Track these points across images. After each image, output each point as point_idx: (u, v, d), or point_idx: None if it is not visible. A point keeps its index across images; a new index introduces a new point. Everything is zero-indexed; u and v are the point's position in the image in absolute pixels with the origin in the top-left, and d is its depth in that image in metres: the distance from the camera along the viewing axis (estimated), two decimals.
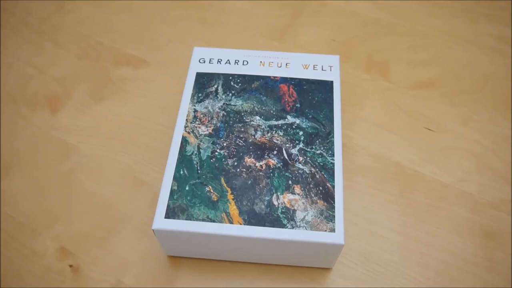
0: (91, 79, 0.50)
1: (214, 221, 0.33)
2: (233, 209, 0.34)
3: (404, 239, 0.39)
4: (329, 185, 0.35)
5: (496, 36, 0.53)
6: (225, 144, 0.37)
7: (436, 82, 0.49)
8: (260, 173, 0.35)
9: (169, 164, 0.36)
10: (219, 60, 0.42)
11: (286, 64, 0.42)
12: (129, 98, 0.48)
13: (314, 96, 0.40)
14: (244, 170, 0.35)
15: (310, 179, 0.35)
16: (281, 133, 0.37)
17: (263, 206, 0.34)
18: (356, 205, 0.40)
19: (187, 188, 0.35)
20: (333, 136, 0.37)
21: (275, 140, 0.37)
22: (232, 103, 0.39)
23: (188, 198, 0.34)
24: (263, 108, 0.39)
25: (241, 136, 0.37)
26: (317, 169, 0.35)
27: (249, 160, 0.36)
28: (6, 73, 0.51)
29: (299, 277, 0.37)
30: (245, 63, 0.42)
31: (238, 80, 0.41)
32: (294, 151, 0.36)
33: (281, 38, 0.53)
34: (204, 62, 0.42)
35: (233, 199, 0.34)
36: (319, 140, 0.37)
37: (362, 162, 0.43)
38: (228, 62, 0.42)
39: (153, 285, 0.37)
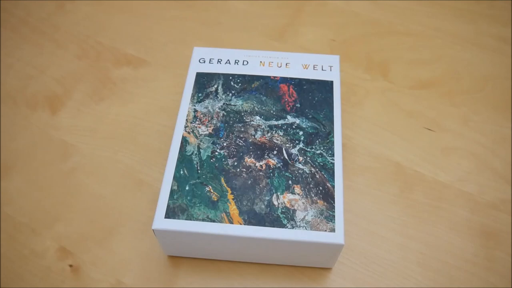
0: (91, 79, 0.50)
1: (214, 221, 0.33)
2: (233, 209, 0.34)
3: (404, 239, 0.39)
4: (329, 185, 0.35)
5: (496, 36, 0.53)
6: (225, 144, 0.37)
7: (436, 82, 0.49)
8: (260, 173, 0.35)
9: (169, 164, 0.36)
10: (219, 60, 0.42)
11: (286, 64, 0.42)
12: (129, 98, 0.48)
13: (314, 96, 0.40)
14: (244, 170, 0.35)
15: (310, 179, 0.35)
16: (281, 133, 0.37)
17: (263, 206, 0.34)
18: (356, 205, 0.40)
19: (187, 188, 0.35)
20: (333, 136, 0.37)
21: (275, 140, 0.37)
22: (232, 103, 0.39)
23: (188, 198, 0.34)
24: (263, 108, 0.39)
25: (241, 136, 0.37)
26: (317, 169, 0.35)
27: (249, 160, 0.36)
28: (6, 73, 0.51)
29: (299, 277, 0.37)
30: (245, 63, 0.42)
31: (238, 80, 0.41)
32: (294, 151, 0.36)
33: (281, 38, 0.53)
34: (204, 62, 0.42)
35: (233, 199, 0.34)
36: (319, 140, 0.37)
37: (362, 162, 0.43)
38: (228, 62, 0.42)
39: (153, 285, 0.37)
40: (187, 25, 0.55)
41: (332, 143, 0.37)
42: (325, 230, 0.33)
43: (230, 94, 0.40)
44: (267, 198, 0.34)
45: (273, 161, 0.36)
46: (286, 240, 0.32)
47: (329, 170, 0.35)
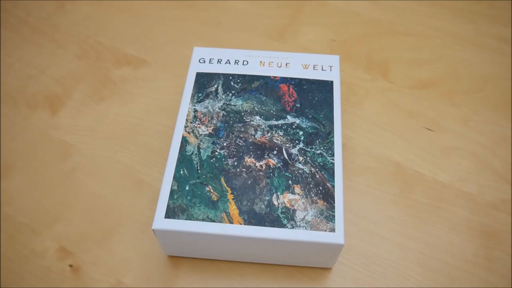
0: (91, 79, 0.50)
1: (214, 221, 0.33)
2: (233, 209, 0.34)
3: (404, 239, 0.39)
4: (329, 185, 0.35)
5: (496, 36, 0.53)
6: (225, 144, 0.37)
7: (436, 82, 0.49)
8: (260, 173, 0.35)
9: (169, 164, 0.36)
10: (219, 60, 0.42)
11: (286, 64, 0.42)
12: (129, 98, 0.48)
13: (314, 96, 0.40)
14: (244, 170, 0.35)
15: (310, 179, 0.35)
16: (281, 133, 0.37)
17: (263, 206, 0.34)
18: (356, 205, 0.40)
19: (187, 188, 0.35)
20: (333, 136, 0.37)
21: (275, 140, 0.37)
22: (232, 103, 0.39)
23: (188, 198, 0.34)
24: (263, 108, 0.39)
25: (241, 136, 0.37)
26: (317, 169, 0.35)
27: (249, 160, 0.36)
28: (6, 73, 0.51)
29: (299, 277, 0.37)
30: (245, 63, 0.42)
31: (238, 80, 0.41)
32: (294, 151, 0.36)
33: (281, 38, 0.53)
34: (204, 62, 0.42)
35: (233, 199, 0.34)
36: (319, 140, 0.37)
37: (362, 162, 0.43)
38: (228, 62, 0.42)
39: (153, 285, 0.37)
40: (187, 25, 0.55)
41: (332, 143, 0.37)
42: (325, 230, 0.33)
43: (230, 94, 0.40)
44: (267, 198, 0.34)
45: (273, 161, 0.36)
46: (286, 240, 0.32)
47: (329, 170, 0.35)
